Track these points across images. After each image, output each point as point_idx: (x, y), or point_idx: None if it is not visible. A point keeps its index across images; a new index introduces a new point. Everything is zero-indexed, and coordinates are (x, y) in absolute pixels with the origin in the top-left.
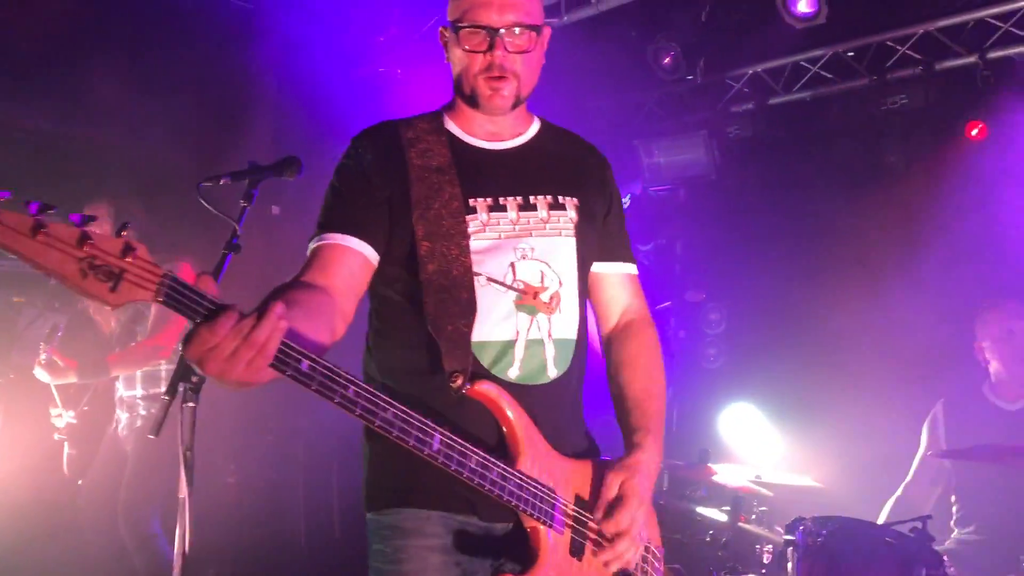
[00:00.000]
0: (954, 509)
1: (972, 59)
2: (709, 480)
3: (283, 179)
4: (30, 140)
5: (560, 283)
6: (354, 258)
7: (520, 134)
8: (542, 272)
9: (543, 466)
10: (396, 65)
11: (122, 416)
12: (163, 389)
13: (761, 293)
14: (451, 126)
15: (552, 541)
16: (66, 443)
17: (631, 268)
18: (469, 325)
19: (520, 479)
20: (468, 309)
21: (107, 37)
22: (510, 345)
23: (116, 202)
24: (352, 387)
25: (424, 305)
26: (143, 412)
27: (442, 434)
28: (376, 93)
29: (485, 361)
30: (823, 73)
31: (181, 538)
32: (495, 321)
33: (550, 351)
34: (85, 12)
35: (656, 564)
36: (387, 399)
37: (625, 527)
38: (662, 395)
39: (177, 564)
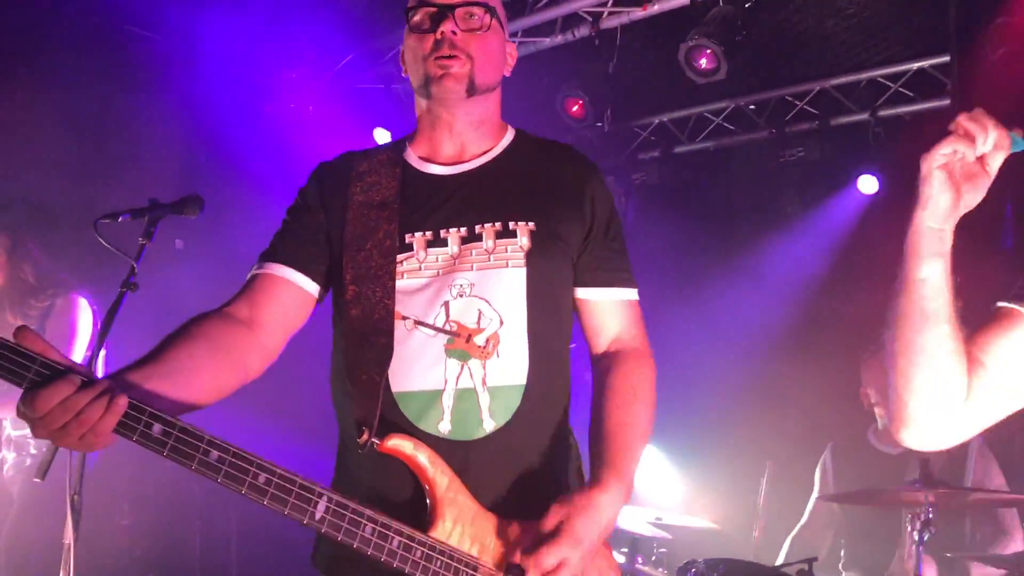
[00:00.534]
0: (842, 552)
1: (864, 116)
2: None
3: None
4: None
5: (501, 322)
6: (289, 291)
7: (486, 151)
8: (479, 311)
9: (468, 530)
10: (307, 102)
11: (8, 456)
12: None
13: (664, 336)
14: (409, 154)
15: None
16: None
17: (624, 293)
18: (381, 373)
19: (429, 548)
20: (383, 355)
21: (5, 64)
22: (437, 396)
23: (13, 236)
24: (216, 452)
25: (345, 352)
26: (33, 452)
27: (331, 499)
28: (286, 130)
29: (411, 414)
30: (726, 125)
31: None
32: (421, 369)
33: (484, 401)
34: None
35: None
36: (262, 462)
37: (548, 567)
38: (639, 433)
39: None
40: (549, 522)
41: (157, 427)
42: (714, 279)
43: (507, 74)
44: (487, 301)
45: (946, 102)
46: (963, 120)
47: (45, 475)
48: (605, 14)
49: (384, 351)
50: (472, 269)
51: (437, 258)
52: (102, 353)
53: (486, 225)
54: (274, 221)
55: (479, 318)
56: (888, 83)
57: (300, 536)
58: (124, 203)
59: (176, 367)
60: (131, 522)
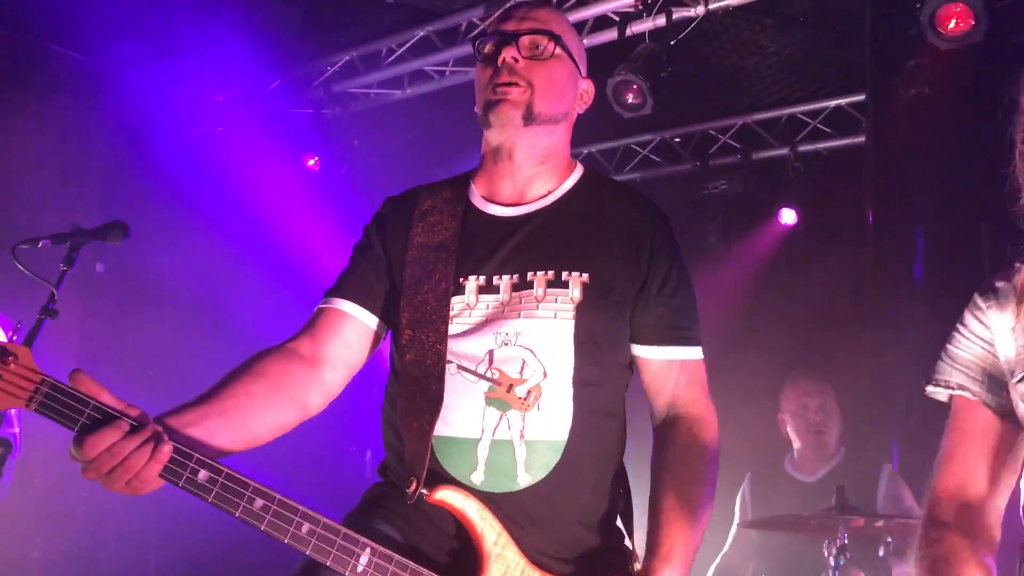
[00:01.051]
0: None
1: (784, 151)
2: None
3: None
4: None
5: (544, 375)
6: (352, 327)
7: (550, 192)
8: (524, 361)
9: None
10: (235, 126)
11: None
12: None
13: None
14: (473, 192)
15: None
16: None
17: (683, 352)
18: (432, 421)
19: None
20: (435, 403)
21: None
22: (472, 444)
23: None
24: (260, 500)
25: (398, 398)
26: None
27: (374, 550)
28: (212, 154)
29: (445, 461)
30: (652, 157)
31: None
32: (459, 415)
33: (521, 454)
34: None
35: None
36: (307, 511)
37: None
38: (693, 519)
39: None
40: None
41: (203, 473)
42: None
43: (580, 111)
44: (532, 352)
45: (861, 139)
46: None
47: None
48: None
49: (435, 399)
50: (520, 317)
51: (487, 305)
52: None
53: (538, 273)
54: (198, 244)
55: (522, 368)
56: (807, 119)
57: (219, 567)
58: (43, 227)
59: (232, 406)
60: (43, 554)
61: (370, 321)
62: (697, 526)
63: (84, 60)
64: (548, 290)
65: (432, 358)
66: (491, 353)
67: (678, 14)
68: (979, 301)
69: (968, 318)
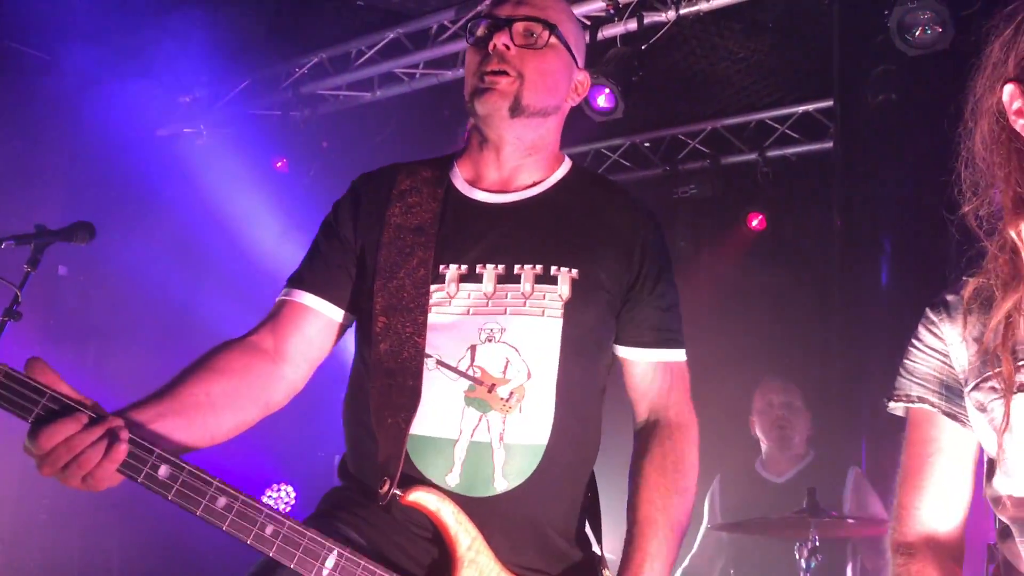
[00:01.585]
0: None
1: (753, 156)
2: None
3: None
4: None
5: (528, 375)
6: (315, 320)
7: (537, 182)
8: (507, 360)
9: None
10: (202, 126)
11: None
12: None
13: None
14: (456, 174)
15: None
16: None
17: (667, 354)
18: (409, 419)
19: None
20: (412, 399)
21: None
22: (449, 445)
23: None
24: (223, 498)
25: (370, 391)
26: None
27: (341, 553)
28: (179, 155)
29: (418, 460)
30: (622, 161)
31: None
32: (436, 414)
33: (499, 458)
34: None
35: None
36: (271, 513)
37: None
38: (671, 530)
39: None
40: None
41: (164, 469)
42: None
43: (573, 103)
44: (516, 350)
45: (829, 144)
46: None
47: None
48: None
49: (412, 395)
50: (505, 313)
51: (469, 295)
52: None
53: (526, 267)
54: (165, 246)
55: (506, 367)
56: (776, 125)
57: (184, 567)
58: (6, 228)
59: (192, 403)
60: (7, 559)
61: (334, 314)
62: (674, 539)
63: (47, 59)
64: (536, 286)
65: (410, 350)
66: (473, 349)
67: (649, 19)
68: (931, 315)
69: (922, 332)
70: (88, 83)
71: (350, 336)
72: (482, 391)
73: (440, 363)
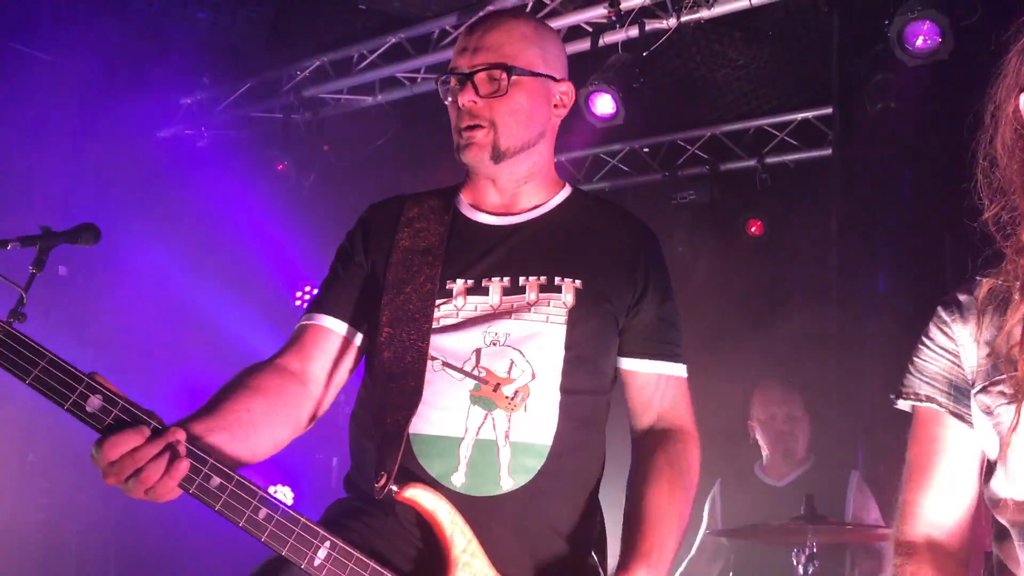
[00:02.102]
0: None
1: (752, 162)
2: None
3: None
4: None
5: (533, 375)
6: (337, 343)
7: (539, 205)
8: (512, 361)
9: None
10: (202, 128)
11: None
12: None
13: None
14: (461, 200)
15: None
16: None
17: (671, 367)
18: (408, 417)
19: None
20: (412, 399)
21: None
22: (454, 444)
23: None
24: (217, 478)
25: (373, 393)
26: None
27: (334, 545)
28: (179, 157)
29: (423, 460)
30: (621, 166)
31: None
32: (441, 413)
33: (505, 456)
34: None
35: None
36: (265, 496)
37: None
38: (678, 523)
39: None
40: None
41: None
42: None
43: (560, 117)
44: (521, 352)
45: (828, 151)
46: None
47: None
48: None
49: (412, 395)
50: (510, 319)
51: (476, 307)
52: None
53: (530, 278)
54: (165, 247)
55: (510, 368)
56: (775, 131)
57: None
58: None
59: (234, 420)
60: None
61: (353, 336)
62: (678, 532)
63: (49, 60)
64: (541, 294)
65: (412, 355)
66: (478, 352)
67: (651, 26)
68: (943, 314)
69: (933, 331)
70: (89, 84)
71: None
72: (487, 390)
73: (445, 364)
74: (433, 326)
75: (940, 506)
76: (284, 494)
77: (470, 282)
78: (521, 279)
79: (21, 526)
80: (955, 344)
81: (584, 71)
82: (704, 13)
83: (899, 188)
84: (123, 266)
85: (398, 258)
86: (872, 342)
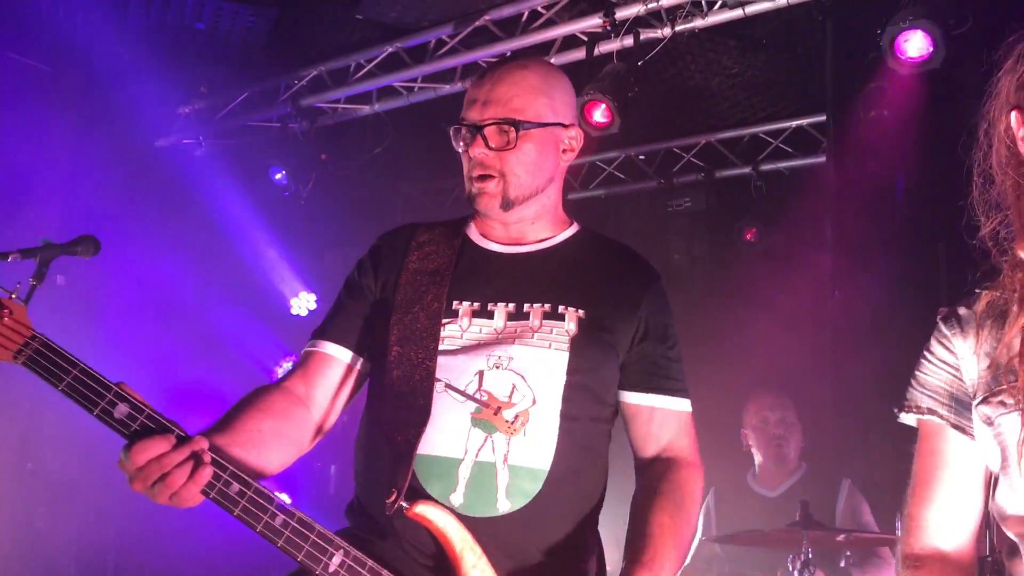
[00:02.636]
0: None
1: (747, 169)
2: None
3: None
4: None
5: (533, 401)
6: (339, 369)
7: (544, 239)
8: (514, 386)
9: None
10: (200, 138)
11: None
12: None
13: None
14: (471, 229)
15: None
16: None
17: (673, 402)
18: (418, 435)
19: None
20: (421, 418)
21: None
22: (454, 464)
23: None
24: (236, 484)
25: (382, 412)
26: None
27: (348, 552)
28: (177, 166)
29: (424, 479)
30: (617, 173)
31: None
32: (442, 434)
33: (503, 479)
34: None
35: None
36: (282, 503)
37: None
38: (681, 544)
39: None
40: None
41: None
42: None
43: (568, 162)
44: (523, 377)
45: (822, 159)
46: None
47: None
48: None
49: (422, 413)
50: (514, 343)
51: (480, 329)
52: None
53: (535, 305)
54: (160, 259)
55: (512, 392)
56: (769, 139)
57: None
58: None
59: (247, 437)
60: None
61: (356, 362)
62: (680, 550)
63: (47, 71)
64: (544, 321)
65: (420, 374)
66: (481, 374)
67: (645, 35)
68: (944, 329)
69: (934, 345)
70: (88, 95)
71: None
72: (488, 413)
73: (448, 386)
74: (440, 345)
75: (945, 519)
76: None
77: (476, 305)
78: (526, 305)
79: (20, 534)
80: (956, 357)
81: (579, 80)
82: (698, 22)
83: (892, 195)
84: (122, 275)
85: (407, 279)
86: (866, 348)
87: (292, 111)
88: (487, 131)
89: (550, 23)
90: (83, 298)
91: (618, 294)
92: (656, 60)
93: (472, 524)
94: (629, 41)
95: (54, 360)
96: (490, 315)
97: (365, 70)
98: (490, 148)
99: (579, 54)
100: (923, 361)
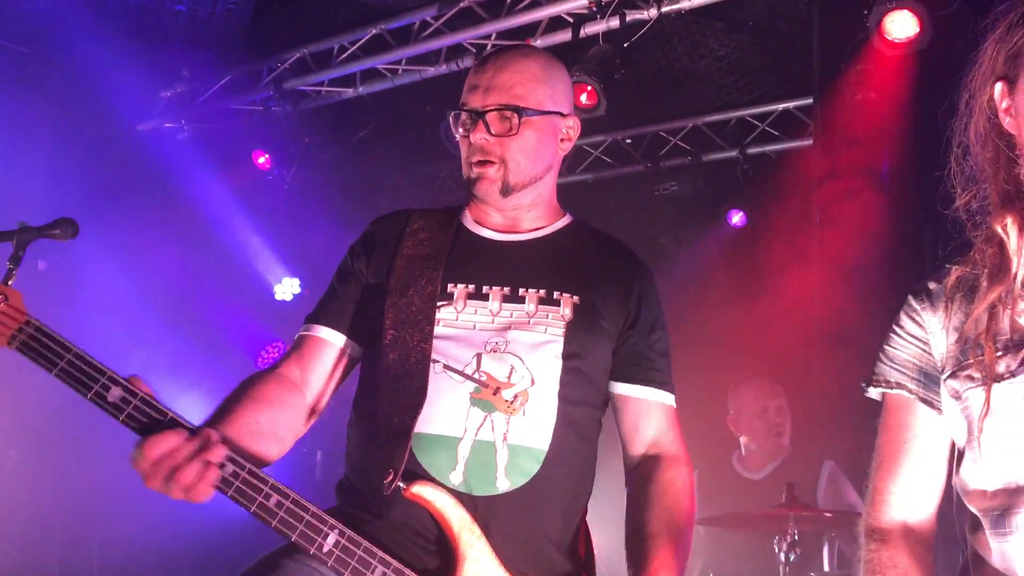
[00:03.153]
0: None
1: (733, 153)
2: None
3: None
4: None
5: (532, 382)
6: (332, 353)
7: (538, 228)
8: (512, 367)
9: None
10: (183, 121)
11: None
12: None
13: None
14: (466, 216)
15: None
16: None
17: (659, 395)
18: (415, 416)
19: None
20: (417, 399)
21: None
22: (453, 443)
23: None
24: (231, 465)
25: (377, 395)
26: None
27: (343, 532)
28: (160, 150)
29: (423, 458)
30: (604, 157)
31: None
32: (442, 413)
33: (502, 458)
34: None
35: None
36: (275, 484)
37: None
38: (685, 544)
39: None
40: None
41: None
42: None
43: (566, 151)
44: (521, 359)
45: (808, 142)
46: None
47: None
48: (489, 46)
49: (418, 396)
50: (510, 329)
51: (476, 311)
52: None
53: (530, 290)
54: (144, 244)
55: (511, 373)
56: (756, 122)
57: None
58: None
59: (246, 430)
60: None
61: (348, 347)
62: (682, 554)
63: (29, 55)
64: (540, 307)
65: (416, 356)
66: (479, 357)
67: (631, 16)
68: (913, 302)
69: (903, 319)
70: (69, 79)
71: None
72: (487, 393)
73: (447, 367)
74: (436, 327)
75: (910, 494)
76: None
77: (471, 287)
78: (521, 290)
79: (4, 522)
80: (925, 331)
81: (565, 62)
82: (685, 3)
83: (878, 178)
84: (104, 260)
85: (401, 264)
86: (853, 331)
87: (275, 94)
88: (489, 117)
89: (535, 4)
90: (65, 283)
91: (612, 283)
92: (642, 43)
93: (471, 502)
94: (615, 22)
95: (48, 345)
96: (485, 298)
97: (348, 52)
98: (491, 134)
99: (565, 36)
100: (892, 335)
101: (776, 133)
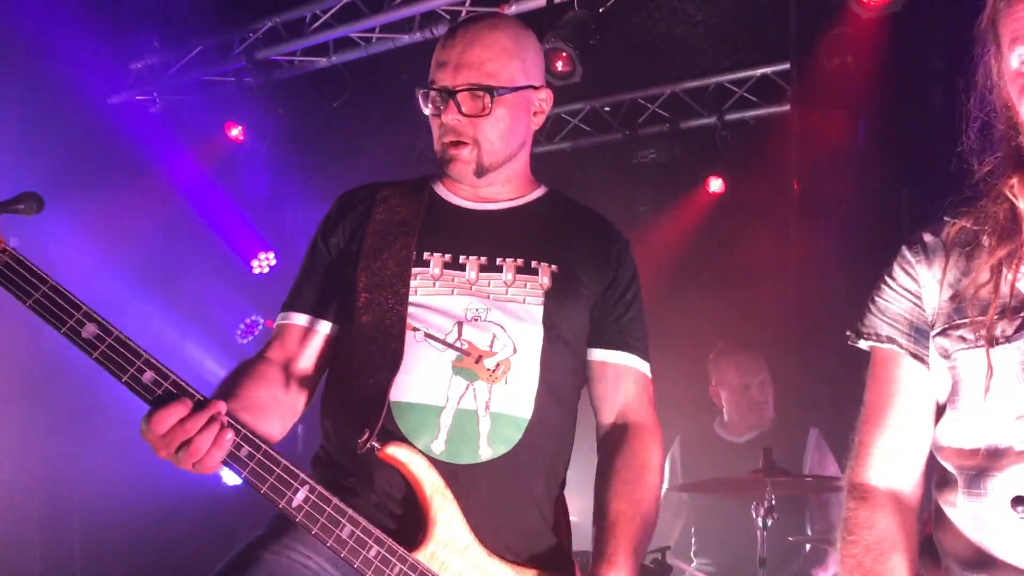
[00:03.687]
0: (693, 540)
1: (712, 119)
2: None
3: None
4: None
5: (514, 350)
6: (311, 338)
7: (513, 198)
8: (494, 335)
9: (455, 561)
10: (154, 94)
11: None
12: None
13: None
14: (438, 185)
15: None
16: None
17: (634, 361)
18: (390, 378)
19: (410, 568)
20: (393, 360)
21: None
22: (435, 412)
23: None
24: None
25: (351, 358)
26: None
27: (313, 489)
28: (131, 123)
29: (404, 427)
30: (582, 126)
31: None
32: (423, 382)
33: (485, 426)
34: None
35: None
36: (248, 435)
37: None
38: (645, 521)
39: None
40: None
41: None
42: None
43: (538, 125)
44: (502, 327)
45: (786, 107)
46: None
47: None
48: (463, 13)
49: (394, 356)
50: (489, 298)
51: (453, 278)
52: None
53: (507, 259)
54: (117, 218)
55: (492, 342)
56: (734, 88)
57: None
58: None
59: (250, 403)
60: None
61: (326, 328)
62: (645, 531)
63: None
64: (517, 276)
65: (391, 318)
66: (460, 325)
67: None
68: (907, 254)
69: (896, 270)
70: (38, 51)
71: None
72: (469, 361)
73: (428, 335)
74: (412, 295)
75: (896, 448)
76: None
77: (447, 257)
78: (498, 259)
79: None
80: (918, 285)
81: (539, 28)
82: None
83: (857, 143)
84: (77, 235)
85: (374, 229)
86: (831, 297)
87: (247, 65)
88: (460, 97)
89: None
90: (38, 260)
91: (589, 251)
92: (618, 8)
93: (453, 471)
94: None
95: (23, 275)
96: (462, 268)
97: (321, 20)
98: (463, 115)
99: (539, 1)
100: (884, 287)
101: (754, 99)
